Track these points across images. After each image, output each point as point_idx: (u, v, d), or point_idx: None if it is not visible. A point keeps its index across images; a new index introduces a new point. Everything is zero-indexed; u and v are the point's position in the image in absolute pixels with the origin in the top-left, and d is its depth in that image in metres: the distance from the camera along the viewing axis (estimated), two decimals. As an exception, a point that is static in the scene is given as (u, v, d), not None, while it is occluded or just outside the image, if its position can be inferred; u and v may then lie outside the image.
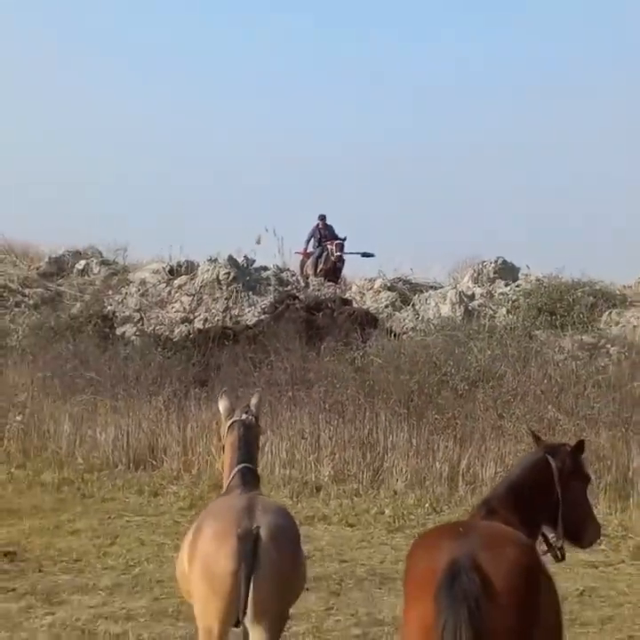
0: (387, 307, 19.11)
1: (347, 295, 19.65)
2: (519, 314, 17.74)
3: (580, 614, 7.03)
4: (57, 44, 49.75)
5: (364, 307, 18.63)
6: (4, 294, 20.32)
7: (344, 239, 21.45)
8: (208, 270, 19.85)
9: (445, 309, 18.47)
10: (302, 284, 20.44)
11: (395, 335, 16.44)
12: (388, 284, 20.41)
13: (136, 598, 7.27)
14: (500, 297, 19.30)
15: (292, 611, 4.72)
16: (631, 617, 7.09)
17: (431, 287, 20.67)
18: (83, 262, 22.31)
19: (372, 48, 47.58)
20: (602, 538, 7.37)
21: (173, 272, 20.77)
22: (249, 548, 4.15)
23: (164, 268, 20.95)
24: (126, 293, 19.95)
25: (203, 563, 4.22)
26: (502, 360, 13.79)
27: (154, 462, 11.82)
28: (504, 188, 37.79)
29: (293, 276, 21.08)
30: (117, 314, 18.72)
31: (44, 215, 34.64)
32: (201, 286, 19.53)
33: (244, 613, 4.15)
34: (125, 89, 46.37)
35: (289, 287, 20.05)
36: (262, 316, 17.92)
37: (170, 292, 19.80)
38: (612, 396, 12.40)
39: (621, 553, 8.85)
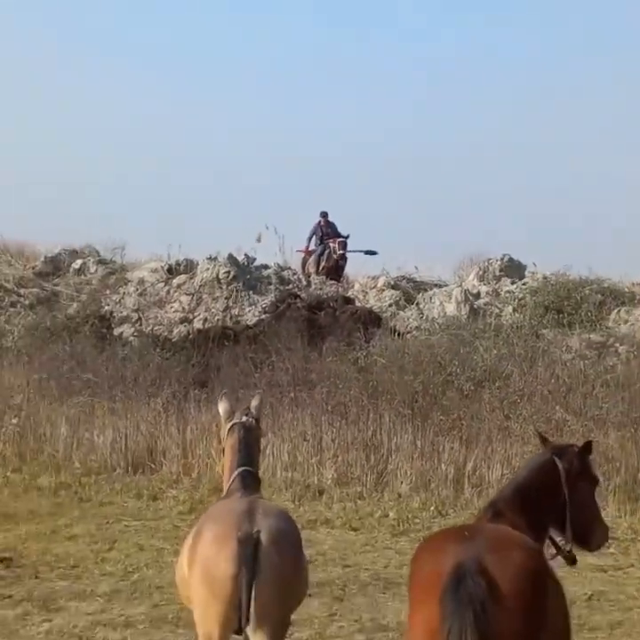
0: (390, 305, 18.91)
1: (349, 294, 19.43)
2: (526, 312, 17.57)
3: (589, 619, 6.98)
4: (57, 43, 49.77)
5: (367, 305, 18.44)
6: (-1, 294, 20.14)
7: (347, 237, 21.24)
8: (207, 269, 19.62)
9: (450, 308, 18.29)
10: (304, 283, 20.22)
11: (398, 334, 16.27)
12: (392, 283, 20.22)
13: (135, 605, 7.21)
14: (507, 295, 19.09)
15: (294, 617, 4.66)
16: (640, 621, 7.04)
17: (436, 285, 20.44)
18: (79, 261, 22.05)
19: (372, 48, 47.48)
20: (611, 541, 7.42)
21: (172, 271, 20.52)
22: (249, 552, 4.11)
23: (162, 267, 20.67)
24: (124, 293, 19.72)
25: (203, 566, 4.20)
26: (509, 359, 13.67)
27: (153, 465, 11.73)
28: (504, 187, 37.82)
29: (295, 274, 20.85)
30: (115, 314, 18.54)
31: (43, 215, 34.70)
32: (200, 285, 19.32)
33: (247, 620, 4.10)
34: (125, 89, 46.40)
35: (290, 286, 19.82)
36: (263, 316, 17.76)
37: (168, 292, 19.58)
38: (620, 396, 12.24)
39: (631, 556, 8.77)
